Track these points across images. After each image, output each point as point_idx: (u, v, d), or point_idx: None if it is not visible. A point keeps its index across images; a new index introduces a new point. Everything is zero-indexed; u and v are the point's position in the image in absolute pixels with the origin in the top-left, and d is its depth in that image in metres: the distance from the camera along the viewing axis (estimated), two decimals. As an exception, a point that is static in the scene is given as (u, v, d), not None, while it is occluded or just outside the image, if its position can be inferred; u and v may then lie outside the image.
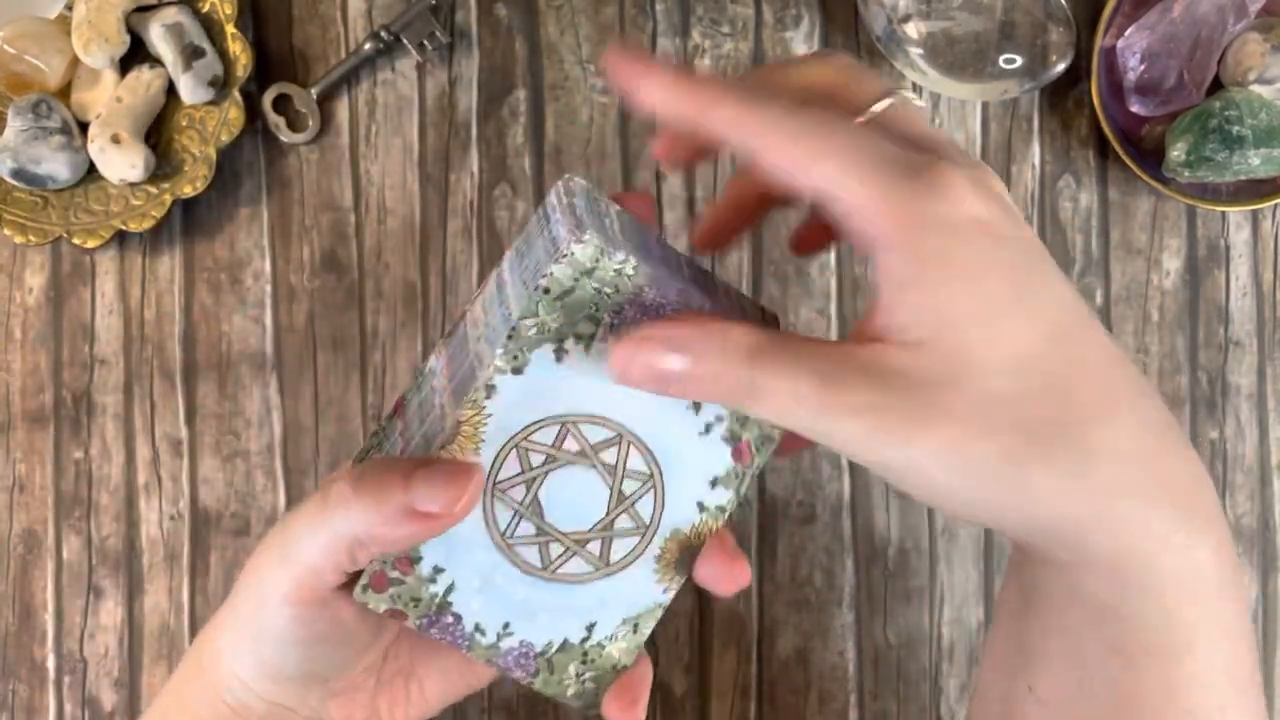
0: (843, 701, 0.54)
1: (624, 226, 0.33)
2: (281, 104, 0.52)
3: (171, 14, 0.50)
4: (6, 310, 0.53)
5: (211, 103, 0.51)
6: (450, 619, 0.35)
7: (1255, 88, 0.51)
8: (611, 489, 0.34)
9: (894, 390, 0.30)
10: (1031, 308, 0.31)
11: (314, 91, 0.52)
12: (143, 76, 0.51)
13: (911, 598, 0.54)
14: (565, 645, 0.36)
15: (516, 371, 0.32)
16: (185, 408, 0.53)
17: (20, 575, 0.53)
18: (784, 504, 0.53)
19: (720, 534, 0.36)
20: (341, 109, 0.53)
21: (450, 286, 0.53)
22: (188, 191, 0.51)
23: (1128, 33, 0.52)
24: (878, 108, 0.33)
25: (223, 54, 0.51)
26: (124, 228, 0.51)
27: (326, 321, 0.53)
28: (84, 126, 0.51)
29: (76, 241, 0.51)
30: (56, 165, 0.51)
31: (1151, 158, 0.52)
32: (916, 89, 0.53)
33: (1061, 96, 0.53)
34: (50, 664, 0.53)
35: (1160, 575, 0.31)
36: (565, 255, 0.31)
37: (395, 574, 0.34)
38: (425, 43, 0.52)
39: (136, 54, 0.51)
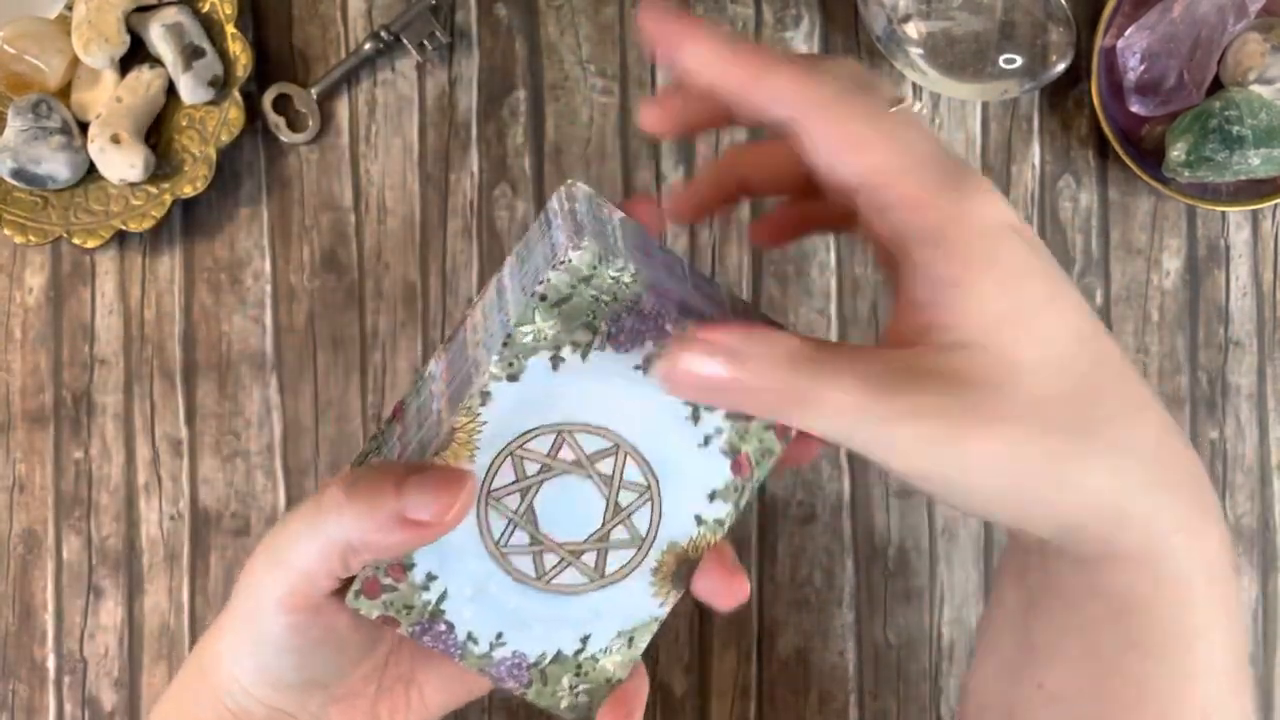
0: (843, 701, 0.54)
1: (626, 233, 0.33)
2: (281, 104, 0.52)
3: (171, 14, 0.50)
4: (6, 310, 0.53)
5: (211, 103, 0.51)
6: (443, 627, 0.34)
7: (1255, 88, 0.51)
8: (607, 500, 0.34)
9: (948, 393, 0.30)
10: (1062, 310, 0.31)
11: (314, 91, 0.52)
12: (143, 76, 0.51)
13: (911, 598, 0.54)
14: (559, 657, 0.35)
15: (512, 379, 0.32)
16: (185, 408, 0.53)
17: (20, 575, 0.53)
18: (784, 504, 0.53)
19: (719, 547, 0.35)
20: (341, 109, 0.53)
21: (450, 286, 0.53)
22: (188, 191, 0.51)
23: (1128, 33, 0.52)
24: (891, 112, 0.32)
25: (223, 54, 0.51)
26: (124, 228, 0.51)
27: (326, 321, 0.53)
28: (84, 126, 0.51)
29: (76, 241, 0.51)
30: (56, 165, 0.51)
31: (1151, 158, 0.52)
32: (916, 89, 0.53)
33: (1061, 96, 0.53)
34: (50, 664, 0.53)
35: (1182, 564, 0.32)
36: (563, 262, 0.30)
37: (388, 580, 0.33)
38: (425, 43, 0.52)
39: (136, 54, 0.51)
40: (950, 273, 0.30)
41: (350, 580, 0.34)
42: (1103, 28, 0.52)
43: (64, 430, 0.53)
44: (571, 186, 0.33)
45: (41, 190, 0.51)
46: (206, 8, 0.51)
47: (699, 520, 0.34)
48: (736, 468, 0.34)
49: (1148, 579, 0.32)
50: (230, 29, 0.51)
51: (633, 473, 0.34)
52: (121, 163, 0.50)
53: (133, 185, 0.51)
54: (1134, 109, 0.52)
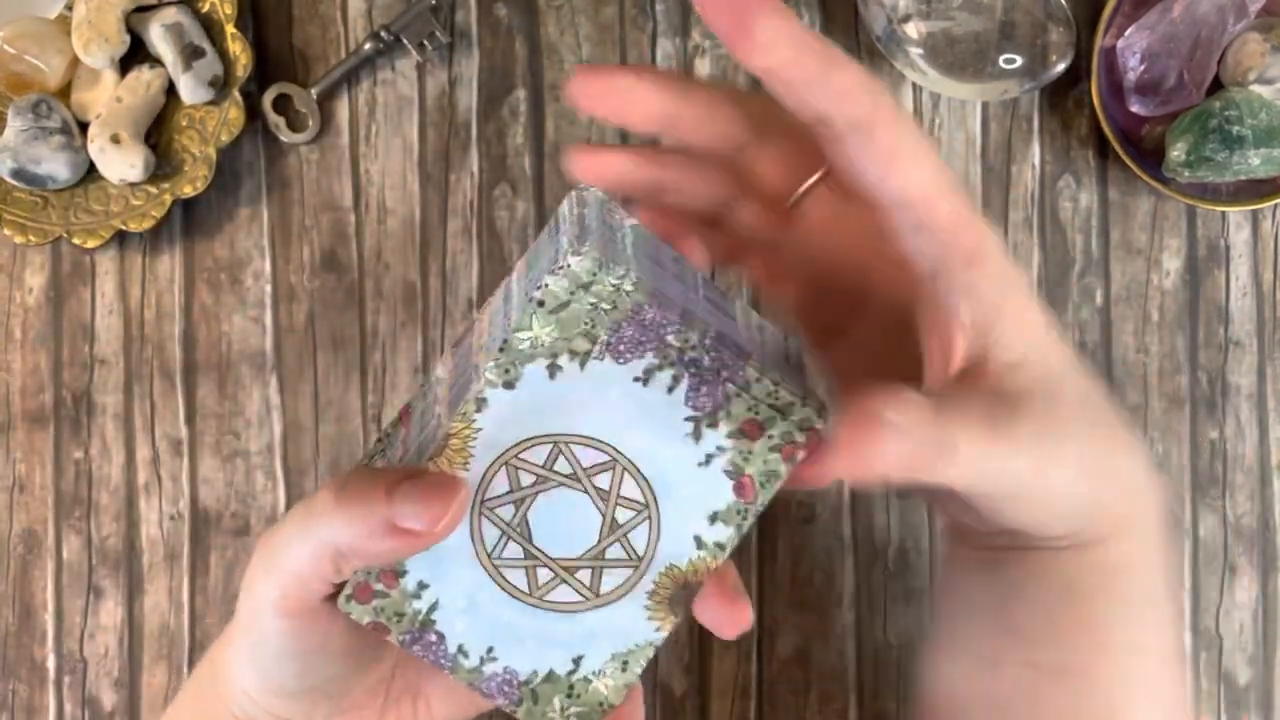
0: (843, 701, 0.54)
1: (637, 241, 0.32)
2: (281, 104, 0.52)
3: (171, 14, 0.50)
4: (6, 310, 0.53)
5: (211, 103, 0.51)
6: (433, 637, 0.34)
7: (1255, 88, 0.51)
8: (604, 516, 0.33)
9: (1036, 414, 0.32)
10: (1048, 317, 0.34)
11: (314, 91, 0.52)
12: (143, 76, 0.51)
13: (911, 598, 0.54)
14: (551, 676, 0.34)
15: (508, 386, 0.31)
16: (185, 408, 0.53)
17: (20, 575, 0.53)
18: (784, 504, 0.53)
19: (721, 572, 0.34)
20: (341, 109, 0.53)
21: (450, 286, 0.53)
22: (188, 191, 0.51)
23: (1128, 33, 0.52)
24: None
25: (223, 54, 0.51)
26: (124, 228, 0.51)
27: (326, 321, 0.53)
28: (84, 126, 0.51)
29: (76, 241, 0.51)
30: (56, 165, 0.51)
31: (1151, 158, 0.52)
32: (916, 89, 0.53)
33: (1061, 96, 0.53)
34: (50, 664, 0.53)
35: (1152, 532, 0.36)
36: (562, 267, 0.30)
37: (379, 586, 0.33)
38: (425, 43, 0.52)
39: (136, 54, 0.51)
40: (996, 293, 0.32)
41: (344, 585, 0.33)
42: (1103, 28, 0.52)
43: (64, 430, 0.53)
44: (583, 191, 0.32)
45: (41, 190, 0.51)
46: (206, 8, 0.51)
47: (699, 543, 0.33)
48: (740, 490, 0.33)
49: (1135, 546, 0.36)
50: (230, 29, 0.51)
51: (630, 489, 0.32)
52: (121, 163, 0.50)
53: (133, 185, 0.51)
54: (1134, 109, 0.52)
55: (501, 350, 0.31)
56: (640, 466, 0.32)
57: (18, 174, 0.50)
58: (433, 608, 0.33)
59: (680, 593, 0.34)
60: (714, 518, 0.33)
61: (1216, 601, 0.54)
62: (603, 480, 0.32)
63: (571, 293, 0.30)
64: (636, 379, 0.31)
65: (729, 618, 0.34)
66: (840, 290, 0.36)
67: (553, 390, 0.31)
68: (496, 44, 0.53)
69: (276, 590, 0.33)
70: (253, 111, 0.52)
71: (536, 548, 0.33)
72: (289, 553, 0.32)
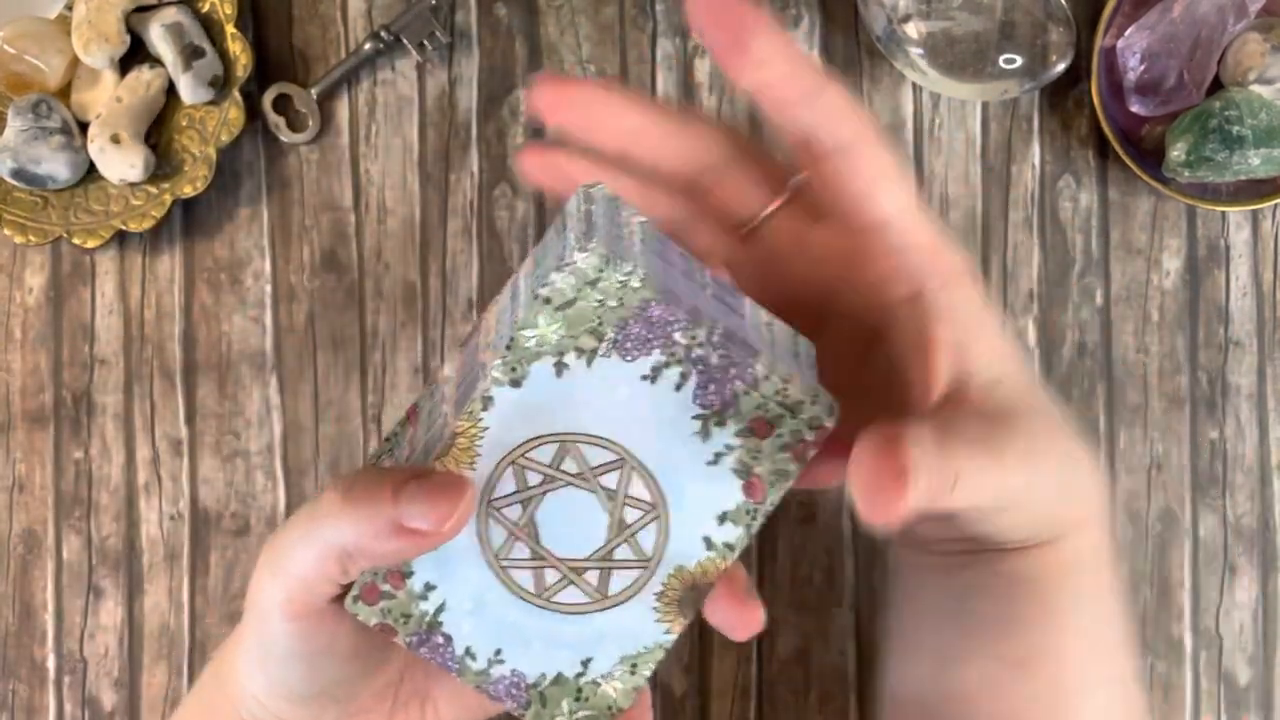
0: (843, 701, 0.54)
1: (645, 239, 0.32)
2: (281, 104, 0.52)
3: (171, 14, 0.50)
4: (6, 310, 0.53)
5: (211, 103, 0.51)
6: (440, 639, 0.33)
7: (1255, 88, 0.51)
8: (611, 516, 0.32)
9: (1021, 432, 0.32)
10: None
11: (314, 91, 0.52)
12: (143, 76, 0.51)
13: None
14: (559, 679, 0.34)
15: (515, 384, 0.31)
16: (185, 408, 0.53)
17: (20, 575, 0.53)
18: (784, 504, 0.53)
19: (731, 574, 0.34)
20: (341, 109, 0.53)
21: (450, 286, 0.53)
22: (188, 191, 0.51)
23: (1128, 33, 0.52)
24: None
25: (223, 54, 0.51)
26: (124, 228, 0.51)
27: (326, 321, 0.53)
28: (84, 126, 0.51)
29: (76, 241, 0.51)
30: (56, 165, 0.51)
31: (1151, 158, 0.52)
32: (916, 89, 0.53)
33: (1061, 96, 0.53)
34: (50, 664, 0.53)
35: (1102, 529, 0.38)
36: (568, 264, 0.29)
37: (386, 587, 0.32)
38: (425, 43, 0.52)
39: (136, 54, 0.51)
40: (973, 313, 0.33)
41: (351, 587, 0.33)
42: (1103, 28, 0.52)
43: (64, 430, 0.53)
44: (590, 188, 0.32)
45: (41, 190, 0.51)
46: (206, 8, 0.51)
47: (708, 543, 0.33)
48: (749, 490, 0.32)
49: (1094, 540, 0.37)
50: (230, 29, 0.51)
51: (638, 488, 0.32)
52: (121, 163, 0.50)
53: (133, 185, 0.51)
54: (1134, 109, 0.52)
55: (508, 348, 0.30)
56: (648, 465, 0.32)
57: (18, 174, 0.50)
58: (440, 609, 0.33)
59: (689, 594, 0.33)
60: (723, 518, 0.33)
61: (1216, 601, 0.54)
62: (610, 479, 0.32)
63: (578, 290, 0.30)
64: (644, 377, 0.31)
65: (740, 620, 0.34)
66: (797, 314, 0.36)
67: (560, 388, 0.31)
68: (496, 44, 0.53)
69: (283, 592, 0.32)
70: (253, 111, 0.52)
71: (544, 548, 0.32)
72: (295, 554, 0.32)
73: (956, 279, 0.33)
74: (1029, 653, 0.37)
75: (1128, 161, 0.52)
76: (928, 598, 0.37)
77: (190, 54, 0.50)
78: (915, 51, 0.51)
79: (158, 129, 0.52)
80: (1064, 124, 0.54)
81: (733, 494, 0.32)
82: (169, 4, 0.51)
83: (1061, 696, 0.37)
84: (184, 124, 0.52)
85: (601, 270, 0.29)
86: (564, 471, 0.32)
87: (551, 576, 0.33)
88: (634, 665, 0.34)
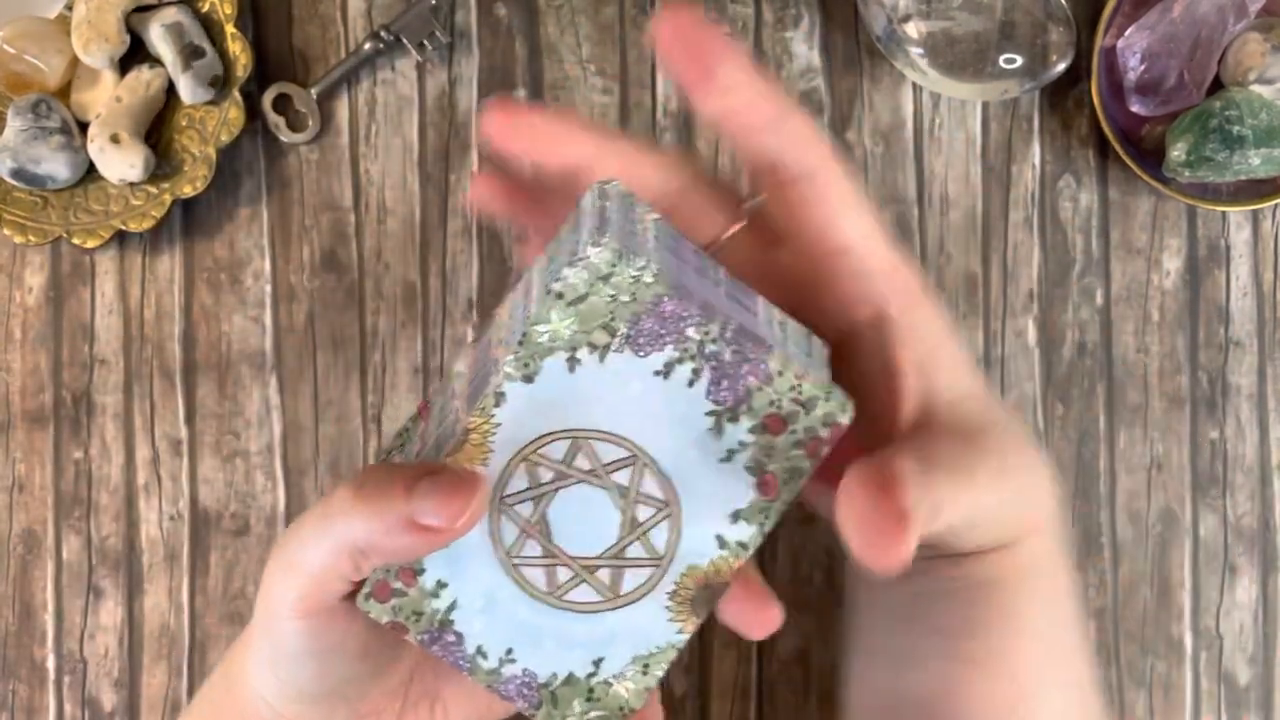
0: (843, 701, 0.54)
1: (659, 235, 0.32)
2: (281, 104, 0.52)
3: (171, 14, 0.50)
4: (6, 310, 0.53)
5: (211, 103, 0.51)
6: (452, 638, 0.33)
7: (1255, 88, 0.51)
8: (623, 514, 0.32)
9: (991, 450, 0.33)
10: None
11: (314, 91, 0.52)
12: (142, 76, 0.51)
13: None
14: (570, 679, 0.34)
15: (527, 380, 0.30)
16: (185, 408, 0.53)
17: (20, 575, 0.53)
18: (784, 504, 0.53)
19: (745, 572, 0.33)
20: (341, 109, 0.53)
21: (450, 286, 0.53)
22: (187, 191, 0.51)
23: (1128, 33, 0.52)
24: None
25: (222, 54, 0.51)
26: (124, 228, 0.51)
27: (326, 321, 0.53)
28: (84, 126, 0.51)
29: (76, 241, 0.51)
30: (56, 165, 0.51)
31: (1151, 158, 0.52)
32: (916, 89, 0.53)
33: (1061, 96, 0.53)
34: (50, 664, 0.53)
35: (1057, 532, 0.38)
36: (581, 259, 0.29)
37: (398, 585, 0.32)
38: (425, 43, 0.52)
39: (136, 54, 0.51)
40: (934, 333, 0.33)
41: (363, 584, 0.33)
42: (1103, 28, 0.52)
43: (64, 430, 0.53)
44: (604, 185, 0.32)
45: (41, 190, 0.51)
46: (206, 8, 0.51)
47: (720, 541, 0.32)
48: (762, 487, 0.32)
49: (1049, 544, 0.38)
50: (230, 29, 0.51)
51: (650, 486, 0.32)
52: (121, 163, 0.50)
53: (132, 185, 0.51)
54: (1134, 109, 0.52)
55: (520, 343, 0.30)
56: (660, 462, 0.32)
57: (17, 174, 0.50)
58: (451, 607, 0.33)
59: (702, 593, 0.33)
60: (736, 516, 0.32)
61: (1217, 601, 0.54)
62: (622, 476, 0.32)
63: (590, 285, 0.29)
64: (656, 372, 0.31)
65: (758, 618, 0.34)
66: None
67: (572, 384, 0.31)
68: (496, 44, 0.53)
69: (295, 589, 0.32)
70: (253, 111, 0.52)
71: (555, 546, 0.32)
72: (307, 551, 0.32)
73: (917, 299, 0.34)
74: (986, 654, 0.37)
75: (1128, 161, 0.52)
76: (886, 603, 0.37)
77: (190, 54, 0.50)
78: (915, 51, 0.51)
79: (157, 129, 0.52)
80: (1064, 124, 0.54)
81: (746, 491, 0.32)
82: (169, 4, 0.51)
83: (1019, 697, 0.37)
84: (184, 124, 0.52)
85: (614, 265, 0.29)
86: (576, 468, 0.32)
87: (563, 574, 0.33)
88: (646, 665, 0.34)
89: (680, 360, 0.31)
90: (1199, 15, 0.51)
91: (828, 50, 0.53)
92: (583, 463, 0.31)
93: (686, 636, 0.34)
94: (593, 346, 0.30)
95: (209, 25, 0.51)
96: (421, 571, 0.32)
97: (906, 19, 0.50)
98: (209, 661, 0.53)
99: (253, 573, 0.53)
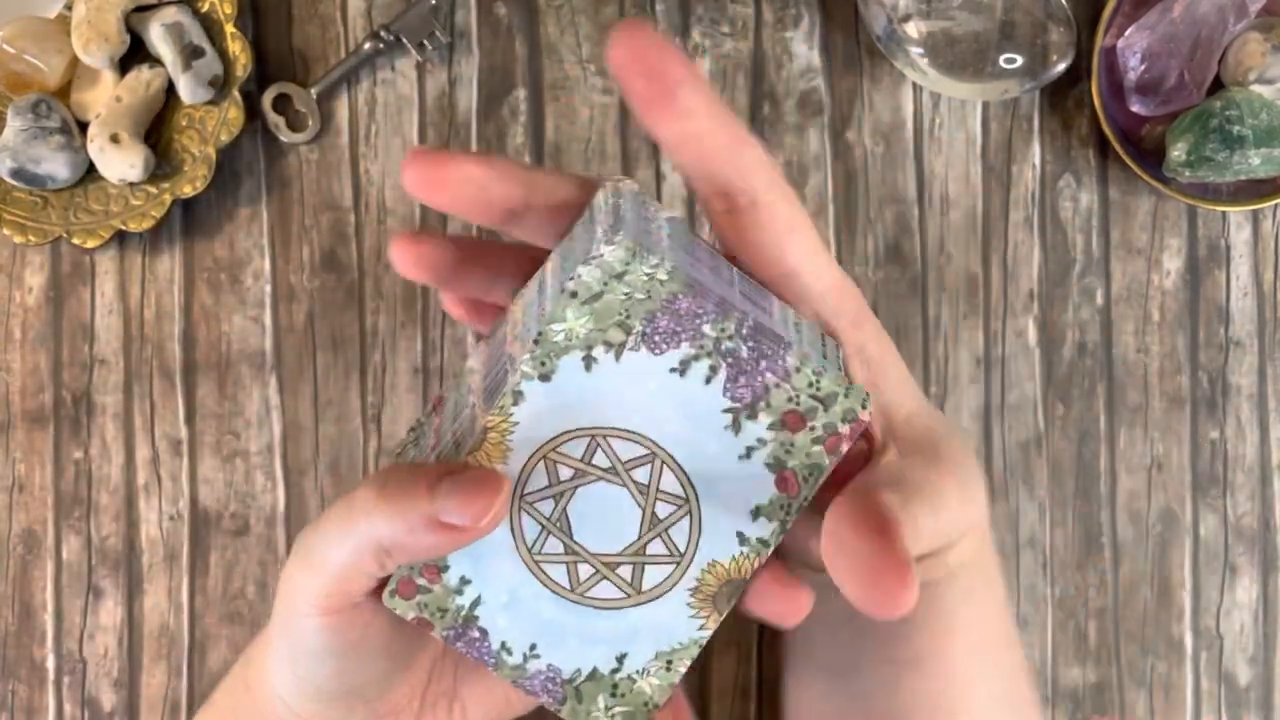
0: (843, 702, 0.54)
1: (673, 233, 0.32)
2: (281, 104, 0.52)
3: (171, 13, 0.50)
4: (6, 310, 0.53)
5: (211, 102, 0.51)
6: (476, 634, 0.33)
7: (1256, 88, 0.51)
8: (643, 511, 0.32)
9: (949, 470, 0.33)
10: None
11: (314, 91, 0.52)
12: (142, 76, 0.51)
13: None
14: (594, 674, 0.34)
15: (544, 378, 0.30)
16: (185, 408, 0.53)
17: (20, 575, 0.53)
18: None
19: (771, 563, 0.33)
20: (341, 109, 0.53)
21: (450, 286, 0.53)
22: (187, 191, 0.51)
23: (1128, 33, 0.52)
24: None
25: (222, 54, 0.51)
26: (124, 228, 0.51)
27: (326, 321, 0.53)
28: (83, 126, 0.51)
29: (76, 241, 0.51)
30: (56, 165, 0.50)
31: (1152, 158, 0.52)
32: (916, 89, 0.53)
33: (1062, 96, 0.53)
34: (50, 664, 0.53)
35: (986, 527, 0.39)
36: (595, 257, 0.29)
37: (422, 581, 0.32)
38: (425, 43, 0.52)
39: (136, 54, 0.51)
40: (880, 351, 0.34)
41: (387, 580, 0.33)
42: (1103, 28, 0.52)
43: (64, 430, 0.53)
44: (618, 183, 0.32)
45: (41, 190, 0.51)
46: (206, 7, 0.51)
47: (741, 538, 0.32)
48: (782, 484, 0.32)
49: (990, 556, 0.39)
50: (230, 29, 0.51)
51: (670, 483, 0.32)
52: (121, 162, 0.50)
53: (132, 185, 0.51)
54: (1134, 109, 0.52)
55: (536, 342, 0.30)
56: (679, 460, 0.32)
57: (17, 174, 0.50)
58: (475, 603, 0.33)
59: (724, 590, 0.33)
60: (756, 513, 0.32)
61: (1217, 601, 0.54)
62: (641, 474, 0.32)
63: (605, 283, 0.29)
64: (673, 370, 0.31)
65: (790, 605, 0.33)
66: None
67: (589, 382, 0.31)
68: (496, 44, 0.53)
69: (316, 589, 0.32)
70: (252, 111, 0.52)
71: (577, 543, 0.32)
72: (330, 550, 0.32)
73: (861, 316, 0.34)
74: (920, 652, 0.38)
75: (1128, 161, 0.52)
76: (821, 611, 0.37)
77: (190, 54, 0.50)
78: (915, 51, 0.51)
79: (157, 129, 0.52)
80: (1064, 124, 0.54)
81: (766, 488, 0.32)
82: (169, 4, 0.51)
83: (953, 690, 0.38)
84: (184, 124, 0.52)
85: (628, 263, 0.29)
86: (595, 466, 0.32)
87: (585, 571, 0.33)
88: (669, 661, 0.34)
89: (697, 357, 0.31)
90: (1199, 15, 0.51)
91: (828, 50, 0.53)
92: (601, 460, 0.32)
93: (709, 633, 0.34)
94: (609, 345, 0.30)
95: (209, 25, 0.51)
96: (445, 569, 0.33)
97: (906, 19, 0.50)
98: (209, 661, 0.53)
99: (253, 573, 0.53)
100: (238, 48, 0.51)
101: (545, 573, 0.33)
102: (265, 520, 0.53)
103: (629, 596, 0.33)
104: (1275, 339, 0.54)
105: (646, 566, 0.33)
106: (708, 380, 0.31)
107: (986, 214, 0.53)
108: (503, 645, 0.33)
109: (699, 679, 0.53)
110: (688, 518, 0.32)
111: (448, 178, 0.32)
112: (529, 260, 0.35)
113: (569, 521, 0.32)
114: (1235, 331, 0.54)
